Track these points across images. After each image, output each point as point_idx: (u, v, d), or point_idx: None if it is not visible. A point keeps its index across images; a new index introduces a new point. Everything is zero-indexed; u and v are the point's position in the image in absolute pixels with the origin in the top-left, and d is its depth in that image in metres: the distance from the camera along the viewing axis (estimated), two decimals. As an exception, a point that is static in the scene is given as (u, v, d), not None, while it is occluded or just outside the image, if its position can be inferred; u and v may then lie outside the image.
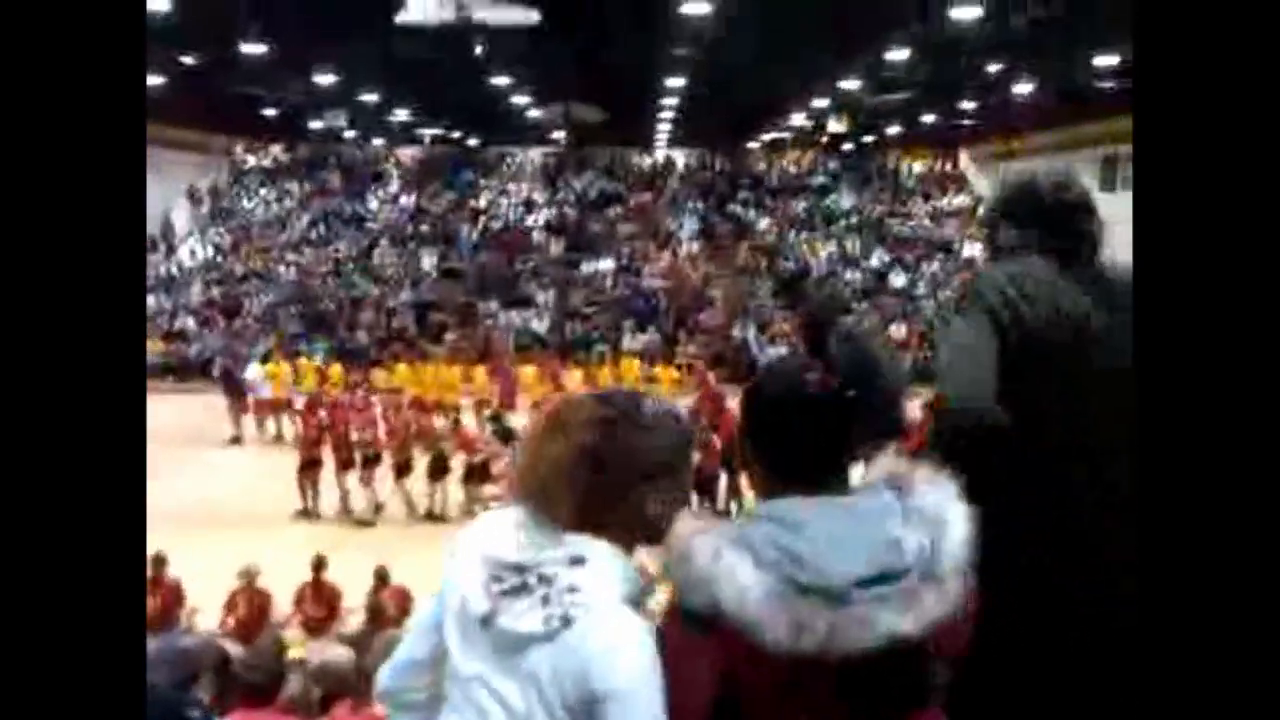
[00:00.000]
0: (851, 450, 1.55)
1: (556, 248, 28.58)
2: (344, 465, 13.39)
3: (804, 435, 1.53)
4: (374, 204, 31.54)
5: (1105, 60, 16.64)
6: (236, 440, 17.28)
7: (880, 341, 1.54)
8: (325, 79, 20.50)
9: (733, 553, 1.41)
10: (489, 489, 13.49)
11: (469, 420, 14.70)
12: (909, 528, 1.43)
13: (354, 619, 9.07)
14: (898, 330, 24.47)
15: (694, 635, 1.43)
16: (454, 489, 13.30)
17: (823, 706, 1.41)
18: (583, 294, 26.16)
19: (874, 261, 28.01)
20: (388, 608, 8.75)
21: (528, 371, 20.44)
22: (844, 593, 1.38)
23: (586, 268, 27.45)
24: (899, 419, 1.57)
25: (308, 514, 13.24)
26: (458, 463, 13.39)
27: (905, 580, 1.40)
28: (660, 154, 34.94)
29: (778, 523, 1.44)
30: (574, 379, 19.81)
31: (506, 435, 13.44)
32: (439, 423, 14.38)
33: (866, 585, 1.39)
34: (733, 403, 15.18)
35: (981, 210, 31.83)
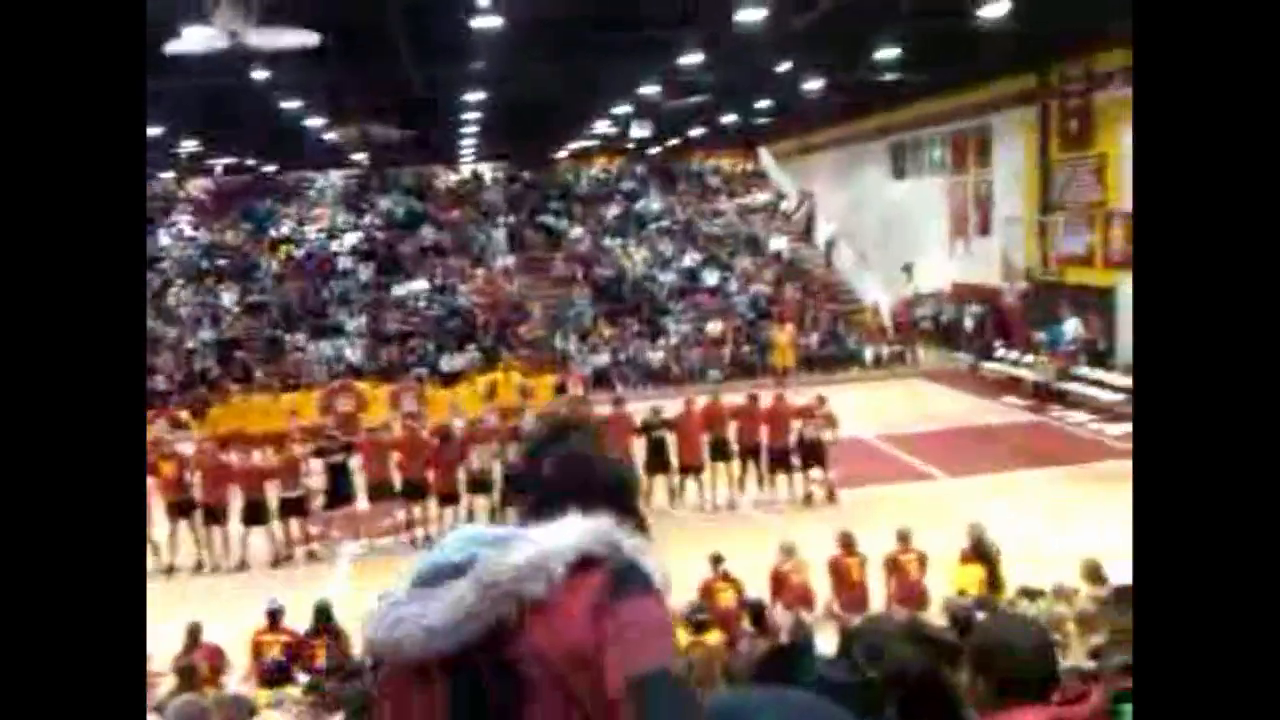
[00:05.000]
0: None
1: (366, 272, 27.79)
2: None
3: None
4: (165, 240, 29.89)
5: (884, 54, 17.43)
6: None
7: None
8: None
9: None
10: (312, 529, 12.95)
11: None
12: (480, 547, 1.52)
13: (166, 682, 8.48)
14: (714, 326, 25.00)
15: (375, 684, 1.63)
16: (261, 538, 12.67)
17: (436, 708, 1.49)
18: (396, 317, 25.51)
19: (687, 261, 28.50)
20: (200, 667, 8.23)
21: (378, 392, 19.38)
22: (397, 594, 1.52)
23: (398, 290, 26.79)
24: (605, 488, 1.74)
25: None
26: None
27: (453, 582, 1.49)
28: (466, 169, 34.56)
29: None
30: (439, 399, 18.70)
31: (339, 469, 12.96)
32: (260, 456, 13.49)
33: (420, 584, 1.51)
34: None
35: (785, 204, 32.95)
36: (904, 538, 10.03)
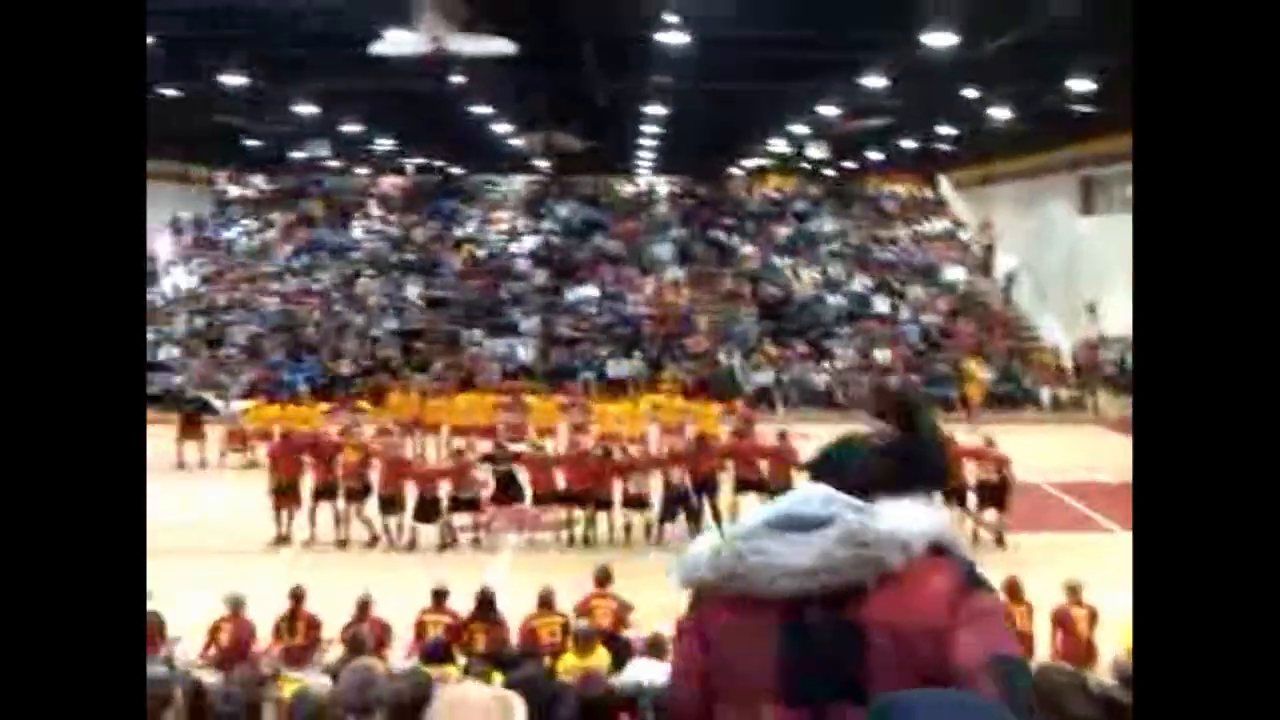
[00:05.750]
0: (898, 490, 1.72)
1: (541, 275, 28.62)
2: (321, 495, 13.31)
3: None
4: (357, 233, 31.57)
5: (1078, 84, 16.79)
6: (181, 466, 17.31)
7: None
8: (306, 109, 20.56)
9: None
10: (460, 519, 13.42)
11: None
12: (842, 508, 1.59)
13: (335, 649, 8.97)
14: (883, 354, 24.55)
15: (686, 617, 1.69)
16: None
17: (767, 647, 1.55)
18: (568, 321, 26.18)
19: (857, 286, 28.10)
20: (367, 638, 8.66)
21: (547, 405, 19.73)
22: (753, 530, 1.60)
23: (571, 295, 27.48)
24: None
25: (283, 540, 13.18)
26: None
27: (816, 533, 1.55)
28: (643, 181, 35.08)
29: None
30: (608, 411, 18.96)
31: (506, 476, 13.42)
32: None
33: (775, 528, 1.58)
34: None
35: (963, 234, 32.05)
36: (1074, 590, 9.58)
